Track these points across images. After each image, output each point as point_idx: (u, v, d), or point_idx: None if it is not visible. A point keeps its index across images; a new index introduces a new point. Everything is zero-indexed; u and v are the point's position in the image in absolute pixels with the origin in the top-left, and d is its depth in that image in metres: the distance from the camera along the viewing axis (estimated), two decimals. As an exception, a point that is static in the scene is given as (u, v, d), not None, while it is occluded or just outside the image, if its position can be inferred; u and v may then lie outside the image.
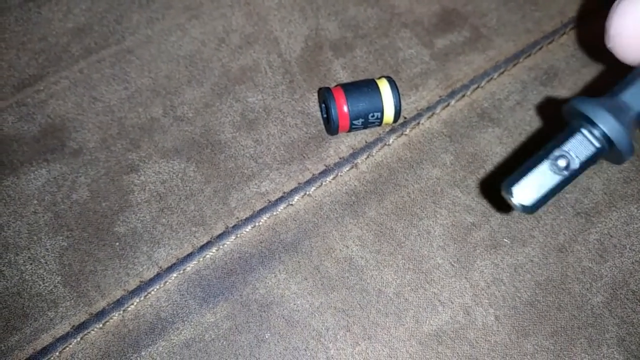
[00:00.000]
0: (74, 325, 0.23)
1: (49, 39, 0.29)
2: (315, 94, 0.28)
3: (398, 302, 0.24)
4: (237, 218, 0.25)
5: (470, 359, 0.23)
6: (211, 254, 0.24)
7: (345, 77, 0.28)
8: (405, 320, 0.23)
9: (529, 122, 0.27)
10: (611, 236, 0.25)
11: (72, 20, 0.29)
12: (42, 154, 0.26)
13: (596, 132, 0.19)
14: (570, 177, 0.19)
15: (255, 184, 0.26)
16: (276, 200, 0.25)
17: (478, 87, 0.28)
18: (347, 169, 0.26)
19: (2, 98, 0.27)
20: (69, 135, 0.27)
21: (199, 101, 0.27)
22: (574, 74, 0.29)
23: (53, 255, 0.24)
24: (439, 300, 0.24)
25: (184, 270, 0.24)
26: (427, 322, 0.23)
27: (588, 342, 0.23)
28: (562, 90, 0.28)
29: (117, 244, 0.25)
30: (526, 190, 0.19)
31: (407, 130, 0.27)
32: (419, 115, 0.27)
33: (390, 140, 0.27)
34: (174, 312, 0.23)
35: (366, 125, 0.26)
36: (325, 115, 0.26)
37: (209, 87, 0.28)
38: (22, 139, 0.26)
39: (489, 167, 0.26)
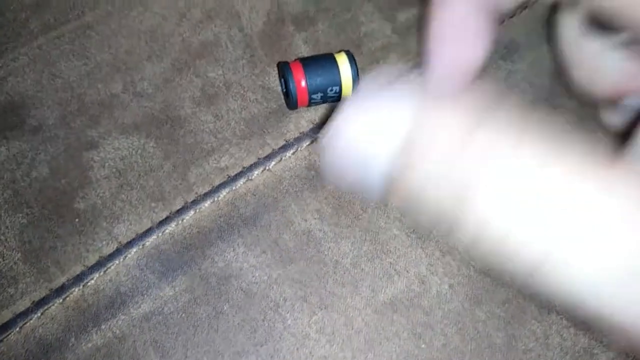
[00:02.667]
0: (34, 301, 0.24)
1: (6, 14, 0.28)
2: (276, 69, 0.28)
3: (354, 273, 0.24)
4: (196, 193, 0.25)
5: (425, 325, 0.23)
6: (170, 229, 0.25)
7: (306, 52, 0.28)
8: (362, 289, 0.24)
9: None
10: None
11: (29, -4, 0.29)
12: (1, 132, 0.26)
13: None
14: None
15: (215, 159, 0.26)
16: (235, 175, 0.26)
17: (438, 60, 0.28)
18: (307, 143, 0.26)
19: (-41, 75, 0.27)
20: (28, 112, 0.27)
21: (159, 77, 0.27)
22: (534, 49, 0.29)
23: (13, 232, 0.24)
24: (395, 270, 0.24)
25: (143, 245, 0.24)
26: (383, 291, 0.24)
27: (538, 310, 0.24)
28: (523, 64, 0.28)
29: (77, 220, 0.25)
30: None
31: (367, 104, 0.27)
32: (379, 89, 0.27)
33: (350, 114, 0.27)
34: (134, 286, 0.24)
35: (325, 99, 0.26)
36: (284, 90, 0.27)
37: (169, 63, 0.28)
38: (-20, 117, 0.26)
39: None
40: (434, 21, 0.21)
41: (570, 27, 0.24)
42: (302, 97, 0.25)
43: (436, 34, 0.22)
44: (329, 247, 0.25)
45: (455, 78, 0.22)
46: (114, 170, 0.26)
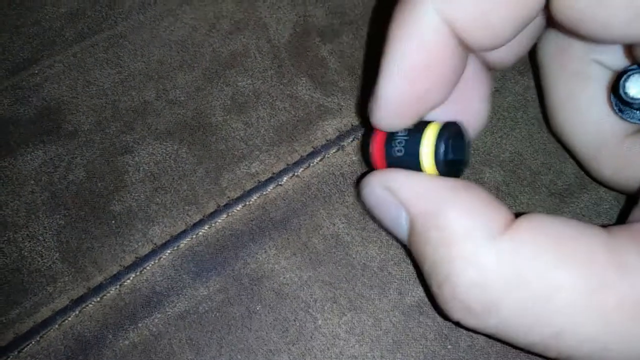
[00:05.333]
0: (72, 299, 0.24)
1: (42, 23, 0.29)
2: (304, 78, 0.29)
3: (382, 276, 0.25)
4: (228, 197, 0.26)
5: (451, 327, 0.24)
6: (203, 231, 0.26)
7: (332, 63, 0.29)
8: (389, 292, 0.25)
9: (507, 108, 0.29)
10: (583, 215, 0.27)
11: (65, 5, 0.30)
12: (38, 136, 0.27)
13: None
14: None
15: (246, 165, 0.27)
16: (266, 180, 0.27)
17: (459, 72, 0.29)
18: (334, 150, 0.27)
19: (-3, 81, 0.28)
20: (64, 117, 0.27)
21: (191, 85, 0.28)
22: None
23: (51, 232, 0.25)
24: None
25: (178, 246, 0.25)
26: (410, 294, 0.25)
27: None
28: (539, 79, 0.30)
29: (113, 222, 0.26)
30: None
31: (391, 113, 0.28)
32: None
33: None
34: (169, 286, 0.25)
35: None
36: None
37: (200, 72, 0.29)
38: (18, 121, 0.27)
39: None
40: (394, 42, 0.21)
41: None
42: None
43: (394, 59, 0.21)
44: (357, 251, 0.25)
45: (400, 114, 0.22)
46: (149, 174, 0.26)
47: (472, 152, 0.28)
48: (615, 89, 0.21)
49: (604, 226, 0.20)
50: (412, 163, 0.22)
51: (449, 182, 0.21)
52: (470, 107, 0.24)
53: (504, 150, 0.28)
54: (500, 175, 0.27)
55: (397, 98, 0.21)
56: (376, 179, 0.22)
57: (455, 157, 0.22)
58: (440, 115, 0.23)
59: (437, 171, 0.21)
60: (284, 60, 0.29)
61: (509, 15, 0.20)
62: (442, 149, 0.21)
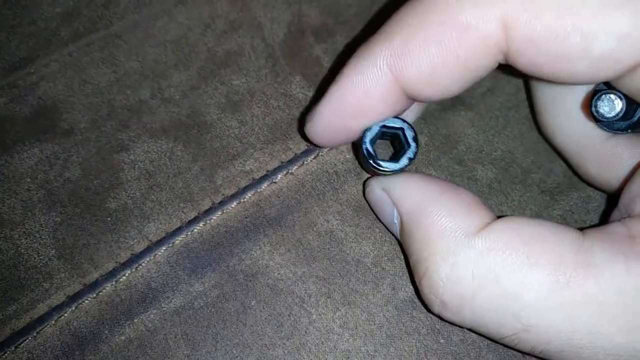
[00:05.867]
0: (68, 295, 0.24)
1: (38, 22, 0.30)
2: (298, 77, 0.29)
3: (376, 271, 0.25)
4: (223, 195, 0.26)
5: (442, 322, 0.25)
6: (199, 228, 0.26)
7: (326, 62, 0.29)
8: (382, 287, 0.25)
9: (499, 108, 0.29)
10: (572, 212, 0.27)
11: (60, 5, 0.30)
12: (35, 134, 0.27)
13: None
14: None
15: (240, 162, 0.27)
16: (260, 178, 0.27)
17: (451, 71, 0.30)
18: (328, 148, 0.28)
19: (-7, 80, 0.28)
20: (60, 116, 0.28)
21: (186, 84, 0.29)
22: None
23: (47, 230, 0.25)
24: (414, 270, 0.25)
25: (173, 243, 0.25)
26: (403, 289, 0.25)
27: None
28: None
29: (109, 219, 0.26)
30: None
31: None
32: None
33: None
34: (164, 282, 0.25)
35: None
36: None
37: (195, 71, 0.29)
38: (15, 120, 0.27)
39: (461, 147, 0.28)
40: (342, 79, 0.23)
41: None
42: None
43: (336, 95, 0.23)
44: (351, 247, 0.26)
45: (326, 138, 0.24)
46: (144, 172, 0.27)
47: (465, 149, 0.28)
48: (589, 106, 0.22)
49: (582, 229, 0.21)
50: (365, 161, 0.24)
51: (437, 185, 0.22)
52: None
53: (496, 148, 0.28)
54: (492, 173, 0.28)
55: (326, 125, 0.23)
56: (377, 181, 0.24)
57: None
58: None
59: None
60: (279, 59, 0.29)
61: (458, 76, 0.21)
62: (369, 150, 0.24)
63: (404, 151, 0.24)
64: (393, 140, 0.26)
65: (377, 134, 0.24)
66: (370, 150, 0.23)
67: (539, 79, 0.23)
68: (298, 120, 0.28)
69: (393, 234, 0.25)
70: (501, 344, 0.21)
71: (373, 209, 0.25)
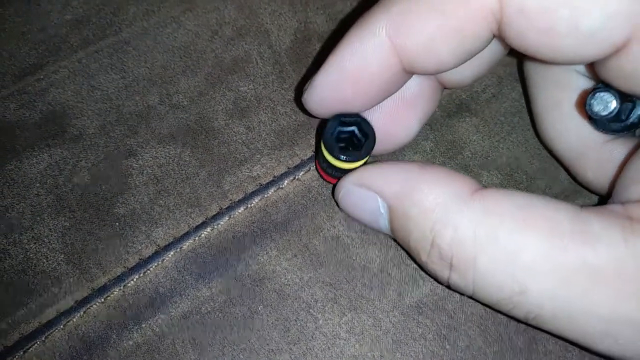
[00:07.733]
0: (77, 300, 0.25)
1: (48, 30, 0.30)
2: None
3: (382, 277, 0.25)
4: (231, 200, 0.27)
5: (449, 327, 0.25)
6: (206, 233, 0.26)
7: (332, 68, 0.30)
8: (389, 293, 0.25)
9: (504, 113, 0.29)
10: (579, 217, 0.27)
11: (70, 12, 0.30)
12: (44, 140, 0.27)
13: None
14: None
15: (247, 168, 0.27)
16: (267, 183, 0.27)
17: (457, 78, 0.30)
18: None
19: (3, 86, 0.28)
20: (69, 121, 0.28)
21: (194, 90, 0.29)
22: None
23: (56, 235, 0.26)
24: (420, 275, 0.26)
25: (181, 248, 0.26)
26: (409, 294, 0.25)
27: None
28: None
29: (117, 224, 0.26)
30: None
31: (391, 118, 0.29)
32: (402, 104, 0.29)
33: (375, 128, 0.28)
34: (172, 287, 0.25)
35: None
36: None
37: (203, 77, 0.29)
38: (24, 125, 0.28)
39: (466, 153, 0.28)
40: (342, 48, 0.23)
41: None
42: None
43: (334, 63, 0.23)
44: (357, 253, 0.26)
45: (324, 107, 0.24)
46: (152, 177, 0.27)
47: (470, 155, 0.28)
48: (584, 105, 0.22)
49: None
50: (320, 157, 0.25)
51: (414, 164, 0.23)
52: (399, 121, 0.26)
53: (501, 154, 0.28)
54: (497, 179, 0.28)
55: (324, 94, 0.24)
56: (349, 179, 0.24)
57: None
58: (368, 116, 0.25)
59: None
60: (285, 66, 0.30)
61: (455, 46, 0.21)
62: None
63: (362, 143, 0.24)
64: (348, 143, 0.26)
65: (336, 127, 0.24)
66: (334, 142, 0.24)
67: (527, 57, 0.23)
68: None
69: (380, 230, 0.24)
70: (498, 311, 0.21)
71: (352, 211, 0.25)
